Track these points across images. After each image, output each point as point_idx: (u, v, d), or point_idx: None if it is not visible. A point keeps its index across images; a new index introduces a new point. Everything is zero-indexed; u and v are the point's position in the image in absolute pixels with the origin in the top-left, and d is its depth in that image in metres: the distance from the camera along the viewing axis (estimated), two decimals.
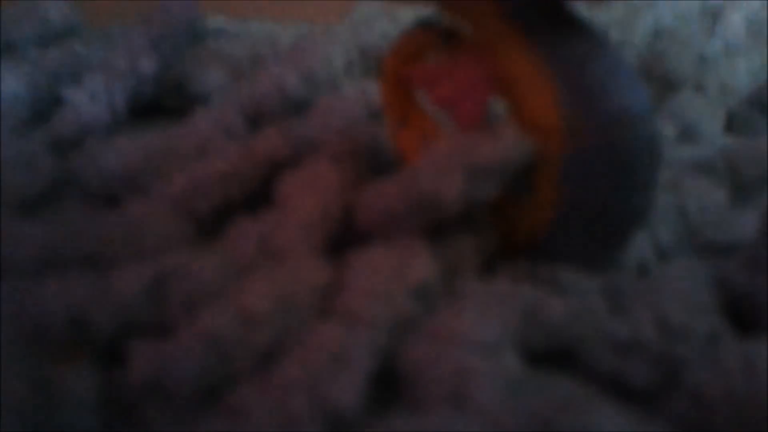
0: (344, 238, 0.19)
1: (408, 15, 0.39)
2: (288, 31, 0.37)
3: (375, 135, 0.24)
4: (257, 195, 0.21)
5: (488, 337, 0.15)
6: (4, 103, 0.26)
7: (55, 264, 0.17)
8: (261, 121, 0.26)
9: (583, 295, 0.17)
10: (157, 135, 0.23)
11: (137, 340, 0.15)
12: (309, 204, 0.19)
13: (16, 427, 0.13)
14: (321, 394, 0.14)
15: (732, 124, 0.30)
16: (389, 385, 0.15)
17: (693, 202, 0.22)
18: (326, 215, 0.19)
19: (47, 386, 0.14)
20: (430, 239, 0.18)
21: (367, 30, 0.36)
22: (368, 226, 0.18)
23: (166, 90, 0.28)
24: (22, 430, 0.13)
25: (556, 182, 0.17)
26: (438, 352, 0.15)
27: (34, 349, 0.15)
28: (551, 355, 0.16)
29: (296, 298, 0.16)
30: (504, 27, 0.18)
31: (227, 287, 0.16)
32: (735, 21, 0.42)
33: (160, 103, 0.28)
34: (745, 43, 0.40)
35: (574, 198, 0.17)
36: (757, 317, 0.17)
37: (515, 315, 0.16)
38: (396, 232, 0.18)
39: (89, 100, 0.25)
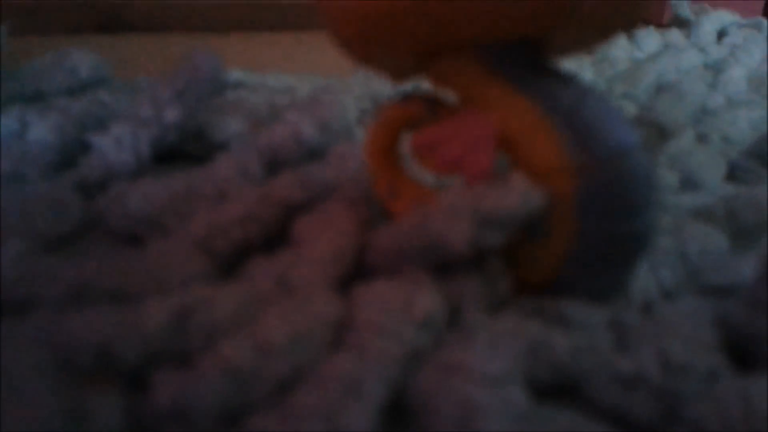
0: (356, 276, 0.20)
1: None
2: (303, 82, 0.38)
3: None
4: (274, 236, 0.22)
5: (495, 371, 0.16)
6: (33, 148, 0.27)
7: (83, 299, 0.18)
8: (278, 167, 0.27)
9: (588, 331, 0.17)
10: (180, 178, 0.24)
11: (161, 369, 0.15)
12: (323, 243, 0.20)
13: None
14: (334, 422, 0.14)
15: (733, 174, 0.31)
16: (399, 416, 0.16)
17: (694, 245, 0.22)
18: (339, 254, 0.20)
19: (76, 413, 0.14)
20: (438, 277, 0.18)
21: (379, 81, 0.37)
22: (378, 263, 0.19)
23: (189, 137, 0.29)
24: None
25: (571, 219, 0.18)
26: (446, 384, 0.15)
27: (63, 378, 0.15)
28: (556, 389, 0.17)
29: (311, 332, 0.16)
30: (493, 83, 0.19)
31: (246, 321, 0.17)
32: (736, 75, 0.43)
33: (183, 149, 0.29)
34: (746, 96, 0.41)
35: (587, 231, 0.18)
36: (756, 356, 0.18)
37: (522, 350, 0.16)
38: (404, 269, 0.19)
39: (115, 146, 0.26)
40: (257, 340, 0.16)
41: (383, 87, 0.37)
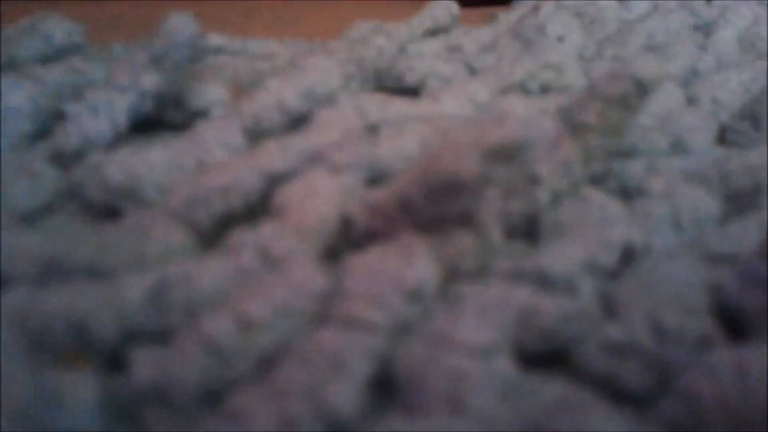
0: (343, 246, 0.19)
1: (402, 31, 0.40)
2: (286, 48, 0.37)
3: (372, 148, 0.24)
4: (257, 207, 0.22)
5: (483, 341, 0.15)
6: (6, 118, 0.26)
7: (58, 274, 0.18)
8: (260, 135, 0.26)
9: (577, 297, 0.17)
10: (158, 148, 0.23)
11: (139, 347, 0.15)
12: (307, 213, 0.19)
13: (18, 430, 0.13)
14: (319, 398, 0.14)
15: (724, 137, 0.30)
16: (387, 388, 0.15)
17: (687, 210, 0.22)
18: (323, 222, 0.19)
19: (50, 392, 0.14)
20: (429, 236, 0.18)
21: (364, 46, 0.36)
22: (373, 226, 0.19)
23: (167, 105, 0.28)
24: None
25: None
26: (433, 356, 0.15)
27: (36, 355, 0.15)
28: (546, 357, 0.16)
29: (295, 305, 0.16)
30: None
31: (227, 295, 0.16)
32: (726, 36, 0.43)
33: (161, 117, 0.28)
34: (736, 58, 0.40)
35: None
36: (747, 325, 0.18)
37: (510, 318, 0.16)
38: (400, 232, 0.18)
39: (91, 115, 0.25)
40: (239, 315, 0.15)
41: (368, 51, 0.36)
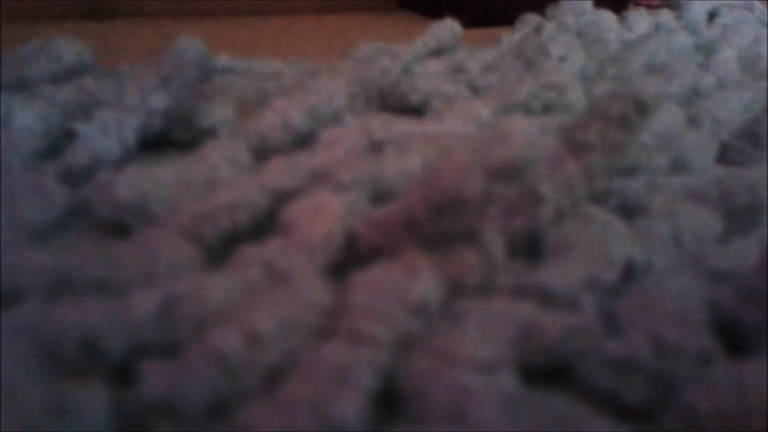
0: (350, 263, 0.19)
1: (407, 52, 0.40)
2: (292, 68, 0.38)
3: (377, 166, 0.25)
4: (263, 224, 0.22)
5: (486, 356, 0.15)
6: (17, 137, 0.27)
7: (69, 289, 0.18)
8: (267, 154, 0.27)
9: (579, 313, 0.17)
10: (167, 166, 0.24)
11: (148, 360, 0.15)
12: (313, 229, 0.20)
13: None
14: (325, 411, 0.14)
15: (725, 156, 0.30)
16: (391, 402, 0.15)
17: (688, 229, 0.22)
18: (330, 240, 0.19)
19: (60, 406, 0.14)
20: (432, 253, 0.18)
21: (368, 66, 0.37)
22: (377, 243, 0.19)
23: (176, 124, 0.29)
24: None
25: None
26: (437, 370, 0.15)
27: (47, 370, 0.15)
28: (549, 372, 0.17)
29: (301, 320, 0.16)
30: None
31: (235, 310, 0.17)
32: (727, 56, 0.43)
33: (170, 136, 0.29)
34: (737, 77, 0.41)
35: None
36: (747, 341, 0.18)
37: (513, 334, 0.16)
38: (403, 249, 0.18)
39: (100, 134, 0.26)
40: (246, 330, 0.16)
41: (373, 71, 0.36)
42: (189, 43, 0.30)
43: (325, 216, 0.21)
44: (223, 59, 0.38)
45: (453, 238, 0.18)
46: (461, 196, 0.18)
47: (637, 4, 0.67)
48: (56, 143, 0.27)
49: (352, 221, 0.21)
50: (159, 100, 0.28)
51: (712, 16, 0.58)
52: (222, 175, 0.24)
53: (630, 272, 0.20)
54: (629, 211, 0.24)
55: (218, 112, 0.29)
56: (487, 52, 0.42)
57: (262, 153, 0.27)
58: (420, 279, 0.17)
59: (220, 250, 0.21)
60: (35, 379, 0.15)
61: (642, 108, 0.24)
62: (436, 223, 0.18)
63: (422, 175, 0.19)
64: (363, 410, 0.14)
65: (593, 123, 0.24)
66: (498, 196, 0.18)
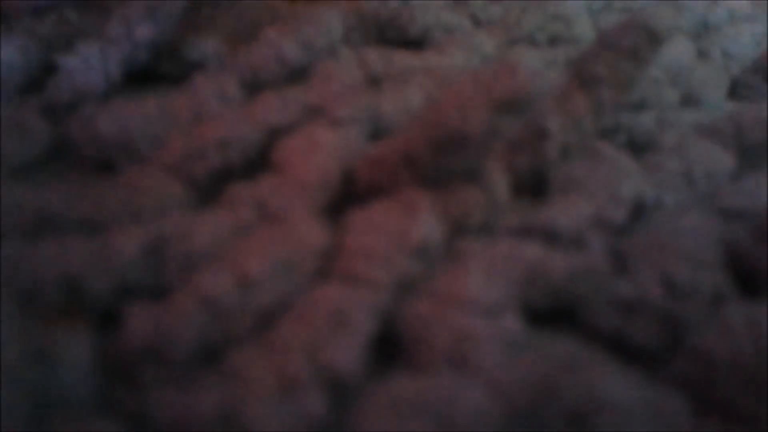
0: (344, 201, 0.19)
1: None
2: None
3: (374, 101, 0.24)
4: (255, 161, 0.21)
5: (490, 299, 0.15)
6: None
7: (51, 229, 0.17)
8: (258, 88, 0.26)
9: (586, 253, 0.17)
10: (153, 101, 0.23)
11: (134, 303, 0.14)
12: (307, 167, 0.19)
13: (10, 390, 0.13)
14: (320, 356, 0.13)
15: (735, 91, 0.29)
16: (390, 346, 0.15)
17: (700, 165, 0.21)
18: (324, 177, 0.19)
19: (42, 350, 0.13)
20: (433, 191, 0.17)
21: None
22: (376, 181, 0.18)
23: (162, 56, 0.28)
24: (17, 394, 0.13)
25: None
26: (439, 313, 0.14)
27: (28, 312, 0.14)
28: (555, 314, 0.16)
29: (295, 261, 0.15)
30: None
31: (225, 251, 0.16)
32: None
33: (156, 70, 0.28)
34: (749, 11, 0.39)
35: None
36: (760, 281, 0.17)
37: (517, 276, 0.16)
38: (403, 187, 0.17)
39: (83, 67, 0.25)
40: (237, 272, 0.15)
41: (371, 2, 0.35)
42: None
43: (320, 153, 0.20)
44: None
45: (455, 176, 0.18)
46: (463, 131, 0.17)
47: None
48: (37, 77, 0.26)
49: (349, 158, 0.20)
50: (145, 32, 0.26)
51: None
52: (211, 110, 0.23)
53: (639, 210, 0.19)
54: (638, 147, 0.23)
55: (207, 45, 0.28)
56: None
57: (254, 87, 0.26)
58: (420, 219, 0.16)
59: (210, 189, 0.20)
60: (14, 322, 0.14)
61: (654, 39, 0.23)
62: (436, 160, 0.17)
63: (423, 109, 0.18)
64: (360, 355, 0.14)
65: (602, 55, 0.23)
66: (502, 131, 0.17)
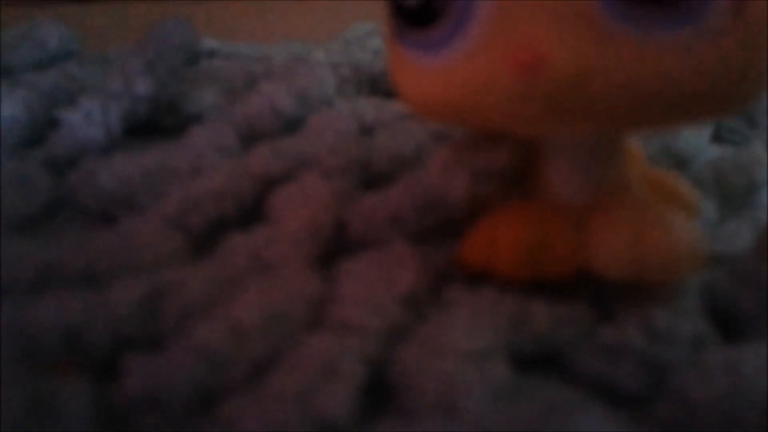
0: (336, 251, 0.19)
1: None
2: (280, 50, 0.37)
3: (367, 151, 0.24)
4: (251, 211, 0.22)
5: (476, 346, 0.15)
6: (1, 125, 0.26)
7: (52, 282, 0.17)
8: (254, 139, 0.26)
9: (570, 300, 0.17)
10: (153, 153, 0.23)
11: (132, 353, 0.15)
12: (300, 217, 0.19)
13: None
14: (312, 404, 0.14)
15: (719, 135, 0.30)
16: (380, 393, 0.15)
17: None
18: (317, 228, 0.19)
19: (43, 400, 0.14)
20: (420, 245, 0.18)
21: (360, 48, 0.36)
22: (363, 234, 0.19)
23: (161, 110, 0.28)
24: None
25: None
26: (426, 360, 0.15)
27: (29, 364, 0.15)
28: (540, 360, 0.16)
29: (287, 310, 0.16)
30: None
31: (220, 301, 0.16)
32: None
33: (156, 123, 0.28)
34: None
35: None
36: (741, 325, 0.18)
37: (503, 323, 0.16)
38: (390, 240, 0.18)
39: (85, 121, 0.25)
40: (231, 322, 0.15)
41: (363, 54, 0.36)
42: (175, 26, 0.29)
43: (313, 204, 0.20)
44: (209, 42, 0.37)
45: (439, 233, 0.18)
46: (446, 197, 0.18)
47: None
48: (40, 131, 0.27)
49: (342, 209, 0.20)
50: (144, 86, 0.27)
51: None
52: (209, 162, 0.24)
53: None
54: None
55: (205, 97, 0.29)
56: None
57: (250, 138, 0.26)
58: (409, 268, 0.17)
59: (206, 239, 0.20)
60: (16, 373, 0.14)
61: None
62: (421, 220, 0.18)
63: (408, 174, 0.19)
64: (351, 402, 0.14)
65: None
66: (481, 194, 0.18)
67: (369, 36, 0.39)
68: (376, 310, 0.16)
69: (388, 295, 0.16)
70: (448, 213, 0.18)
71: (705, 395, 0.15)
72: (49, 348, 0.15)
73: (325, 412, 0.14)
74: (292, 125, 0.28)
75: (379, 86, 0.34)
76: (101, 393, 0.14)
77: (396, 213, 0.18)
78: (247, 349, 0.15)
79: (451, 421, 0.14)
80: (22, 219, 0.21)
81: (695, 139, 0.27)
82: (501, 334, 0.16)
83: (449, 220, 0.18)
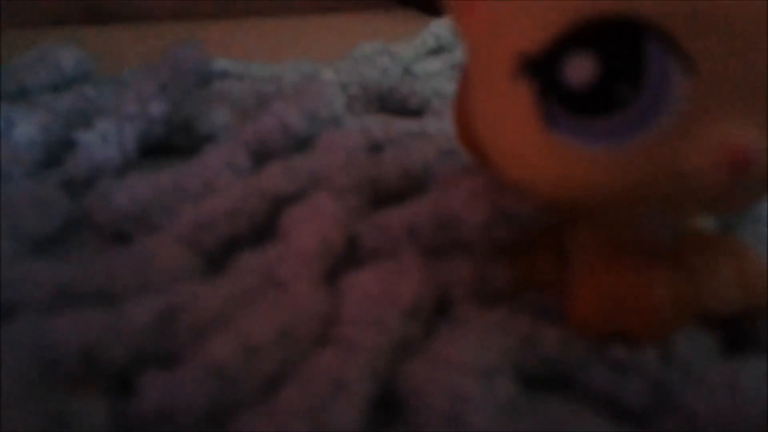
0: (348, 266, 0.19)
1: (406, 51, 0.40)
2: (290, 70, 0.38)
3: (376, 168, 0.25)
4: (263, 229, 0.22)
5: (485, 363, 0.15)
6: (19, 147, 0.27)
7: (68, 300, 0.18)
8: (265, 158, 0.27)
9: None
10: (166, 173, 0.24)
11: (147, 370, 0.15)
12: (310, 236, 0.20)
13: None
14: (321, 419, 0.14)
15: None
16: (388, 408, 0.15)
17: None
18: (328, 245, 0.20)
19: (60, 418, 0.14)
20: (433, 262, 0.18)
21: (369, 66, 0.37)
22: (377, 246, 0.19)
23: (175, 130, 0.29)
24: None
25: None
26: (435, 376, 0.15)
27: (47, 382, 0.15)
28: (547, 379, 0.16)
29: (297, 327, 0.16)
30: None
31: (232, 318, 0.17)
32: None
33: (170, 143, 0.29)
34: None
35: None
36: (744, 342, 0.18)
37: (512, 343, 0.16)
38: (401, 252, 0.18)
39: (100, 142, 0.26)
40: (243, 338, 0.16)
41: (372, 72, 0.36)
42: (188, 48, 0.30)
43: (323, 221, 0.21)
44: (221, 63, 0.38)
45: (453, 250, 0.19)
46: (464, 223, 0.18)
47: None
48: (57, 153, 0.27)
49: (352, 225, 0.21)
50: (158, 107, 0.28)
51: None
52: (221, 181, 0.24)
53: None
54: None
55: (217, 118, 0.29)
56: None
57: (262, 157, 0.27)
58: (413, 282, 0.17)
59: (220, 257, 0.21)
60: (35, 391, 0.15)
61: None
62: (438, 236, 0.19)
63: (433, 191, 0.19)
64: (359, 417, 0.14)
65: None
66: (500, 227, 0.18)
67: (377, 54, 0.40)
68: (381, 326, 0.16)
69: (393, 309, 0.16)
70: (463, 237, 0.18)
71: (707, 412, 0.15)
72: (66, 365, 0.15)
73: (334, 426, 0.14)
74: (302, 143, 0.28)
75: (387, 105, 0.34)
76: (117, 409, 0.15)
77: (413, 226, 0.19)
78: (258, 365, 0.15)
79: None
80: (38, 239, 0.22)
81: None
82: (509, 353, 0.16)
83: (464, 242, 0.19)
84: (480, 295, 0.18)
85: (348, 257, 0.20)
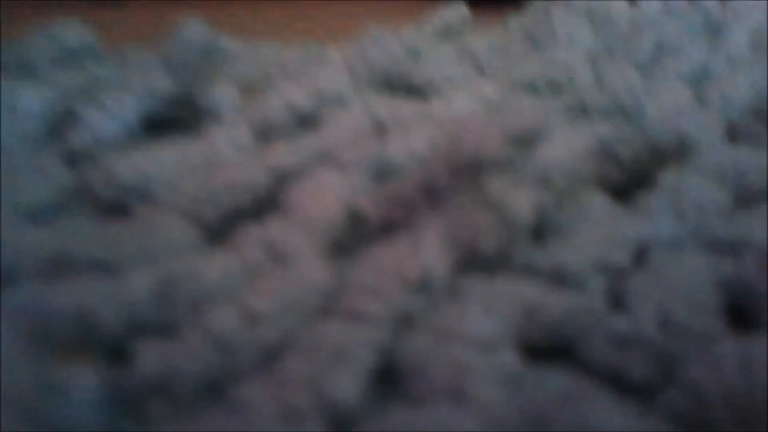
0: (351, 241, 0.19)
1: (414, 35, 0.40)
2: (296, 50, 0.38)
3: (380, 146, 0.24)
4: (265, 203, 0.22)
5: (487, 334, 0.15)
6: (22, 121, 0.27)
7: (66, 269, 0.18)
8: (270, 136, 0.27)
9: (584, 289, 0.17)
10: (169, 148, 0.24)
11: (144, 340, 0.15)
12: (314, 209, 0.19)
13: (21, 424, 0.13)
14: (322, 389, 0.14)
15: (734, 135, 0.30)
16: (390, 380, 0.15)
17: (695, 206, 0.22)
18: (331, 219, 0.19)
19: (54, 383, 0.14)
20: (450, 219, 0.18)
21: (375, 48, 0.37)
22: (394, 212, 0.19)
23: (179, 107, 0.29)
24: (28, 429, 0.13)
25: None
26: (437, 347, 0.15)
27: (42, 349, 0.15)
28: (551, 350, 0.16)
29: (299, 298, 0.16)
30: None
31: (233, 290, 0.17)
32: (737, 34, 0.43)
33: (175, 120, 0.29)
34: (747, 57, 0.40)
35: None
36: (757, 316, 0.17)
37: (516, 312, 0.16)
38: (416, 220, 0.18)
39: (103, 116, 0.26)
40: (244, 309, 0.15)
41: (378, 54, 0.36)
42: (192, 27, 0.30)
43: (327, 196, 0.20)
44: (226, 42, 0.38)
45: (471, 203, 0.18)
46: (481, 157, 0.18)
47: None
48: (59, 126, 0.27)
49: (355, 200, 0.20)
50: (162, 83, 0.28)
51: None
52: (224, 157, 0.24)
53: (641, 253, 0.20)
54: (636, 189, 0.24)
55: (222, 95, 0.29)
56: (494, 34, 0.42)
57: (266, 135, 0.27)
58: (422, 254, 0.17)
59: (221, 230, 0.20)
60: (29, 358, 0.15)
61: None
62: (455, 186, 0.18)
63: (442, 143, 0.19)
64: (361, 388, 0.14)
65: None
66: (514, 162, 0.18)
67: (384, 37, 0.39)
68: (384, 298, 0.16)
69: (397, 282, 0.16)
70: (482, 177, 0.18)
71: (715, 387, 0.15)
72: (62, 333, 0.15)
73: (334, 397, 0.14)
74: (306, 122, 0.28)
75: (392, 85, 0.34)
76: (112, 378, 0.15)
77: (428, 183, 0.19)
78: (259, 336, 0.15)
79: (460, 407, 0.14)
80: (38, 209, 0.22)
81: (709, 135, 0.27)
82: (512, 323, 0.16)
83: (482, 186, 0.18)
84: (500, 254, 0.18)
85: (353, 232, 0.20)
